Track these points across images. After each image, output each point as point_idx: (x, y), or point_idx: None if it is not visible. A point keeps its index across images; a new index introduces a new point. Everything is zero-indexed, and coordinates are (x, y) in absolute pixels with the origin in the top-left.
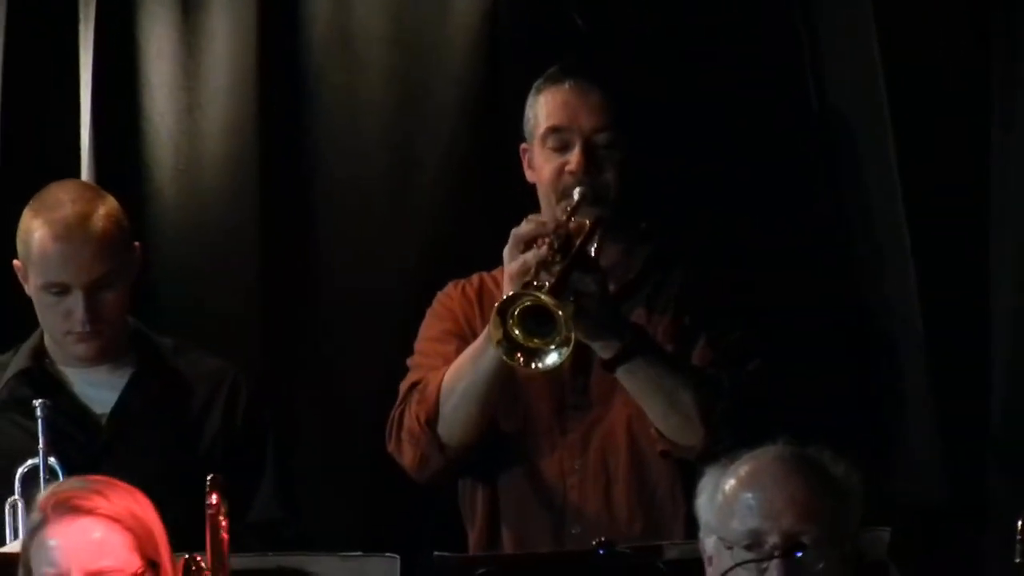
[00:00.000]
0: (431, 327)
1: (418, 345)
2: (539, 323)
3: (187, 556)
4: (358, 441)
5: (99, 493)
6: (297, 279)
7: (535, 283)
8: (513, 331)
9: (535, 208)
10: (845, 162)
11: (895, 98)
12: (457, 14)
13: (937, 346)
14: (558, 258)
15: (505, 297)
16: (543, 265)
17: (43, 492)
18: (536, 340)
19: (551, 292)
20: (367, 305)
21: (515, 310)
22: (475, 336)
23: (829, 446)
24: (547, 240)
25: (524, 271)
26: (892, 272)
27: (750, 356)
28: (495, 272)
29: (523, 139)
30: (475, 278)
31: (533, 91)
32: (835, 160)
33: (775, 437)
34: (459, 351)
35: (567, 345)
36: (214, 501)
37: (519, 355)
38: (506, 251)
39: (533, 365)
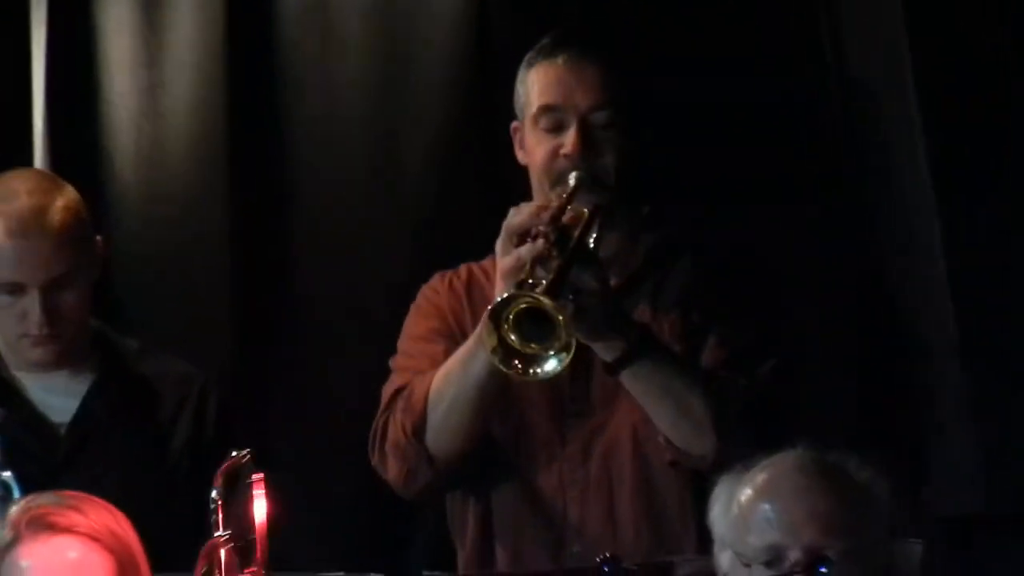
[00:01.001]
0: (416, 324)
1: (402, 344)
2: (536, 326)
3: None
4: (338, 451)
5: (76, 509)
6: (272, 273)
7: (530, 281)
8: (508, 336)
9: (530, 194)
10: (870, 144)
11: (921, 74)
12: None
13: (973, 348)
14: (555, 252)
15: (498, 299)
16: (539, 260)
17: (13, 508)
18: (534, 345)
19: (548, 292)
20: (348, 301)
21: (510, 313)
22: (464, 334)
23: (854, 451)
24: (542, 232)
25: (518, 267)
26: (923, 270)
27: (766, 356)
28: (484, 263)
29: (515, 117)
30: (463, 269)
31: (524, 65)
32: (858, 141)
33: (795, 442)
34: (447, 351)
35: (567, 351)
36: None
37: (516, 362)
38: (498, 245)
39: (531, 372)
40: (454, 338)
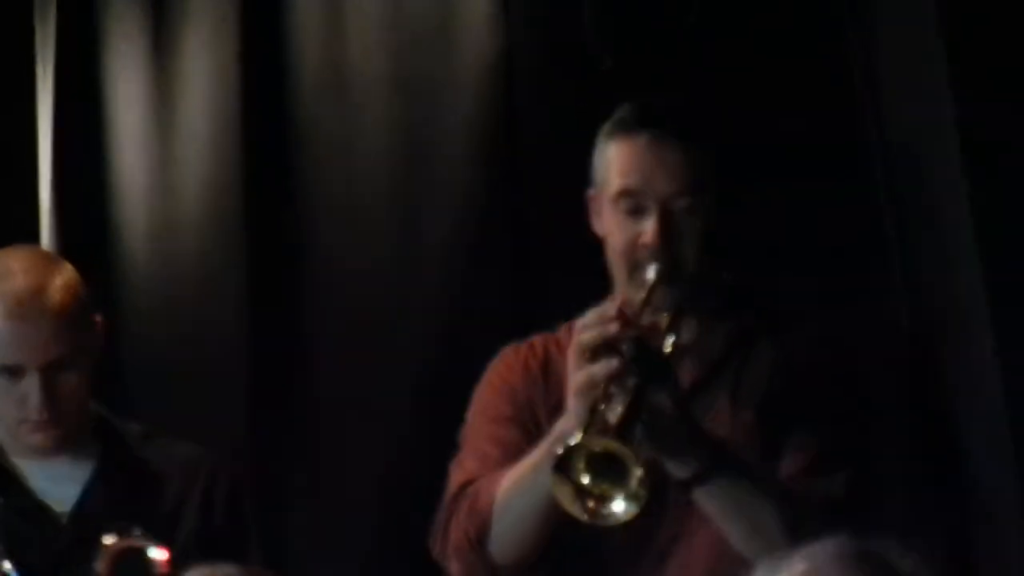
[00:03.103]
0: (488, 403)
1: (473, 420)
2: (608, 465)
3: None
4: (354, 536)
5: None
6: (288, 357)
7: (603, 406)
8: (580, 478)
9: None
10: (914, 212)
11: (966, 137)
12: (467, 52)
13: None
14: (632, 370)
15: (565, 450)
16: (612, 379)
17: None
18: (605, 486)
19: (620, 431)
20: (368, 385)
21: (580, 460)
22: (537, 424)
23: (896, 539)
24: (619, 348)
25: (592, 385)
26: (973, 353)
27: (845, 464)
28: (559, 334)
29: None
30: (539, 346)
31: (603, 136)
32: (903, 210)
33: (835, 529)
34: (522, 439)
35: (638, 498)
36: None
37: (590, 503)
38: (570, 355)
39: (601, 514)
40: (526, 427)
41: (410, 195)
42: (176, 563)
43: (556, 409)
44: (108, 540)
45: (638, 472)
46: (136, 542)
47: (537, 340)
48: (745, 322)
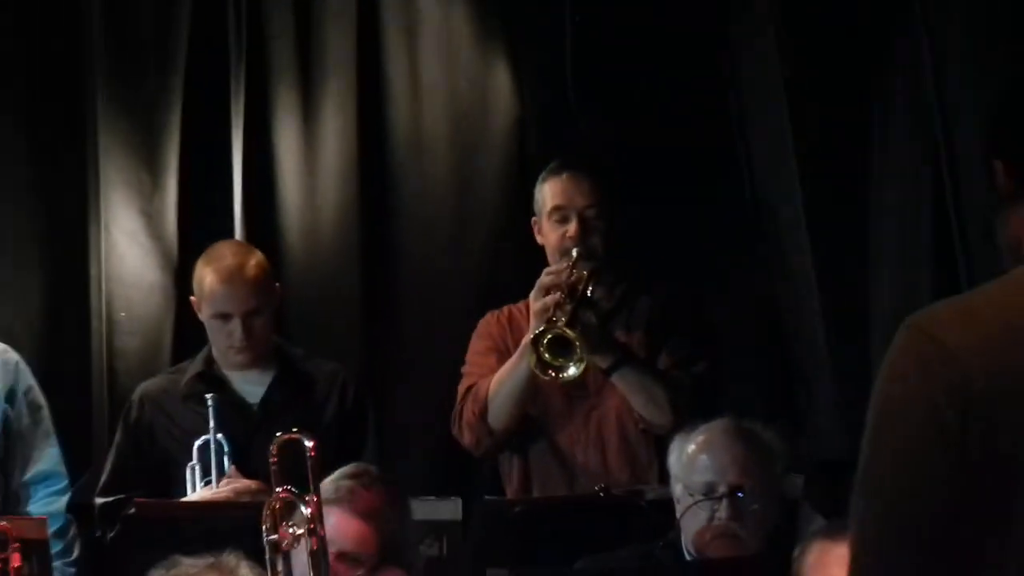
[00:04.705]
0: (477, 343)
1: (469, 357)
2: (561, 348)
3: None
4: (435, 420)
5: (367, 489)
6: (388, 303)
7: (553, 319)
8: (544, 355)
9: (546, 263)
10: (770, 235)
11: (807, 190)
12: (496, 120)
13: (837, 354)
14: (568, 300)
15: (535, 333)
16: (558, 306)
17: (343, 472)
18: (561, 360)
19: (568, 326)
20: (439, 324)
21: (545, 340)
22: (508, 350)
23: (759, 418)
24: (560, 288)
25: (545, 310)
26: (804, 307)
27: (699, 361)
28: (519, 304)
29: (535, 214)
30: (505, 309)
31: (540, 180)
32: (763, 231)
33: (722, 413)
34: (499, 361)
35: (583, 362)
36: None
37: (550, 371)
38: (532, 295)
39: (560, 377)
40: (501, 353)
41: (460, 213)
42: (321, 441)
43: (517, 342)
44: (278, 435)
45: (579, 348)
46: (295, 435)
47: (505, 308)
48: (632, 285)
